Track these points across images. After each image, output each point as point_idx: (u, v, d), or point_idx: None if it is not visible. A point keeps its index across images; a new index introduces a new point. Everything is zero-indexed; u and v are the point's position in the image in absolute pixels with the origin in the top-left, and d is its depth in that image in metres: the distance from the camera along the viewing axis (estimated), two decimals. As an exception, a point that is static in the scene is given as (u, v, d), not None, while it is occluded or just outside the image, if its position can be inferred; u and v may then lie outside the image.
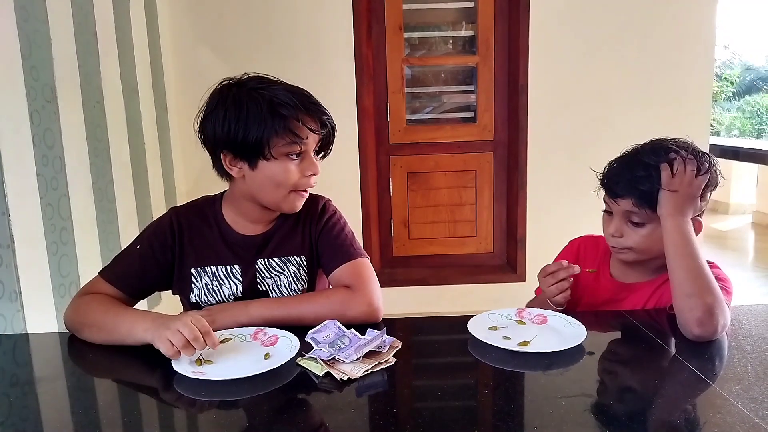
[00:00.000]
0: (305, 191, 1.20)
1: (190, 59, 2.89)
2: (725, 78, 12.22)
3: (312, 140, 1.16)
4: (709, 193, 1.17)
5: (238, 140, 1.11)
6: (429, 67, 3.29)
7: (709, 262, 1.12)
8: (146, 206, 2.44)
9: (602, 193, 1.24)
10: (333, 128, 1.19)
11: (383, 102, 3.16)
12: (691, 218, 1.13)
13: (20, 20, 1.62)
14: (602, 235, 1.29)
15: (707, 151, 1.18)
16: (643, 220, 1.17)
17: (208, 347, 0.97)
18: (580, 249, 1.38)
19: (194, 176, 2.89)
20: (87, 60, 2.01)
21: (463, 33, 3.24)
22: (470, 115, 3.26)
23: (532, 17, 2.93)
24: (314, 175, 1.18)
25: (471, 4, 3.14)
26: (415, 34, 3.20)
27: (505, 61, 3.13)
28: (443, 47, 3.28)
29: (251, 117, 1.10)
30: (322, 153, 1.22)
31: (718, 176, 1.17)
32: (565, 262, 1.20)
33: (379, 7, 3.06)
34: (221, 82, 1.16)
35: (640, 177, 1.14)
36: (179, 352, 0.94)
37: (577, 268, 1.19)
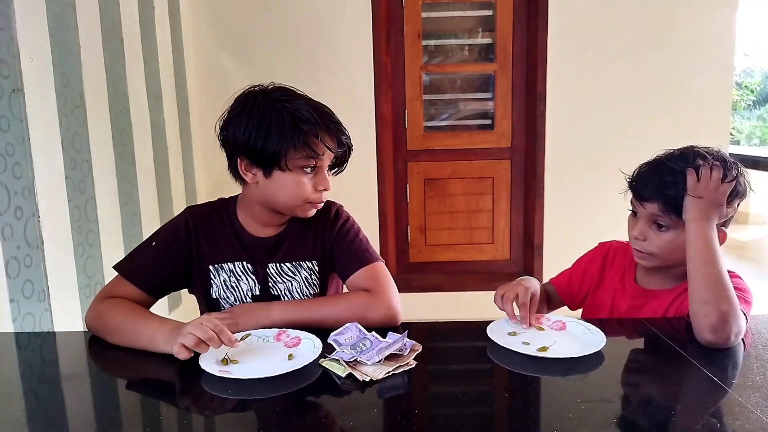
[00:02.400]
0: (319, 203, 1.23)
1: (212, 67, 2.94)
2: (745, 86, 12.03)
3: (327, 157, 1.19)
4: (736, 203, 1.17)
5: (256, 148, 1.14)
6: (446, 75, 3.31)
7: (730, 272, 1.12)
8: (168, 210, 2.48)
9: (629, 195, 1.25)
10: (350, 148, 1.21)
11: (401, 109, 3.19)
12: (716, 226, 1.13)
13: (52, 29, 1.67)
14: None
15: (740, 165, 1.18)
16: (668, 225, 1.18)
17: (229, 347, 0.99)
18: (608, 254, 1.39)
19: (214, 181, 2.94)
20: (114, 67, 2.06)
21: (481, 41, 3.26)
22: (488, 122, 3.27)
23: (551, 25, 2.94)
24: (325, 190, 1.21)
25: (489, 12, 3.16)
26: (434, 42, 3.23)
27: (523, 68, 3.14)
28: (459, 54, 3.30)
29: (273, 128, 1.12)
30: (336, 169, 1.25)
31: (746, 186, 1.18)
32: (512, 311, 1.16)
33: (398, 14, 3.09)
34: (247, 89, 1.19)
35: (667, 182, 1.15)
36: (192, 352, 0.97)
37: (525, 327, 1.14)
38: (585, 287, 1.38)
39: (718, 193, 1.12)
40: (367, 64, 2.97)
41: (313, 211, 1.23)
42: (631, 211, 1.27)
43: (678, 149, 1.21)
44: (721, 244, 1.13)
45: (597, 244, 1.43)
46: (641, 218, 1.22)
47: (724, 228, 1.18)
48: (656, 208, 1.17)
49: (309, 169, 1.17)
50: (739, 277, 1.18)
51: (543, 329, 1.14)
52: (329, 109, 1.19)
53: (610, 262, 1.37)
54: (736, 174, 1.15)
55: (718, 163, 1.13)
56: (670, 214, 1.16)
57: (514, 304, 1.16)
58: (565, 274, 1.43)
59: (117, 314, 1.12)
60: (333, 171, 1.24)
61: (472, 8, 3.21)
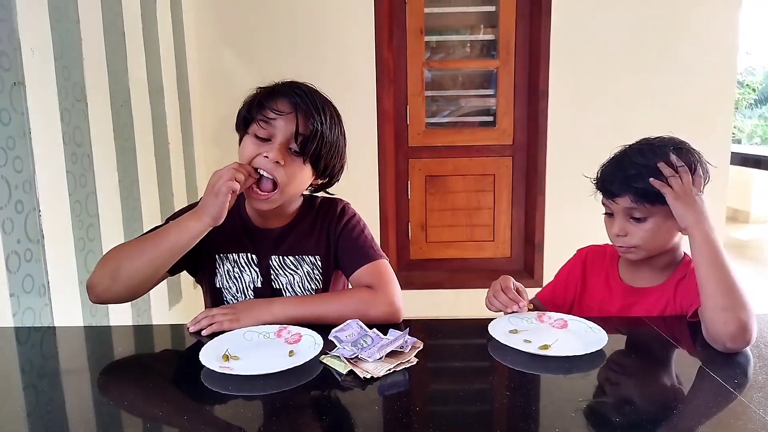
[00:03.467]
0: (261, 191, 1.16)
1: (214, 61, 2.93)
2: (747, 85, 12.01)
3: (281, 130, 1.14)
4: (703, 184, 1.19)
5: (238, 115, 1.21)
6: (448, 71, 3.30)
7: None
8: (169, 205, 2.48)
9: (600, 197, 1.27)
10: (319, 134, 1.14)
11: (403, 105, 3.18)
12: None
13: (54, 21, 1.66)
14: (608, 243, 1.30)
15: (694, 148, 1.21)
16: (645, 215, 1.19)
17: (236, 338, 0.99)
18: (587, 259, 1.39)
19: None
20: (115, 61, 2.05)
21: (484, 37, 3.25)
22: (489, 119, 3.27)
23: (554, 22, 2.93)
24: (268, 158, 1.13)
25: (492, 9, 3.15)
26: (436, 38, 3.22)
27: (526, 65, 3.13)
28: (461, 50, 3.29)
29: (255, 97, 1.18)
30: (305, 156, 1.16)
31: (707, 167, 1.20)
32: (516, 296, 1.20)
33: (400, 10, 3.08)
34: None
35: (633, 175, 1.18)
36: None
37: (522, 305, 1.19)
38: (569, 295, 1.38)
39: (695, 190, 1.14)
40: (369, 59, 2.96)
41: (254, 201, 1.18)
42: (605, 214, 1.27)
43: (634, 144, 1.26)
44: None
45: (575, 252, 1.44)
46: (617, 215, 1.23)
47: None
48: (628, 201, 1.19)
49: (262, 137, 1.15)
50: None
51: (545, 327, 1.14)
52: (313, 90, 1.18)
53: (591, 267, 1.38)
54: (698, 162, 1.18)
55: (682, 164, 1.15)
56: (644, 203, 1.17)
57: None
58: (549, 287, 1.44)
59: (124, 245, 1.16)
60: (296, 154, 1.15)
61: (474, 4, 3.20)
